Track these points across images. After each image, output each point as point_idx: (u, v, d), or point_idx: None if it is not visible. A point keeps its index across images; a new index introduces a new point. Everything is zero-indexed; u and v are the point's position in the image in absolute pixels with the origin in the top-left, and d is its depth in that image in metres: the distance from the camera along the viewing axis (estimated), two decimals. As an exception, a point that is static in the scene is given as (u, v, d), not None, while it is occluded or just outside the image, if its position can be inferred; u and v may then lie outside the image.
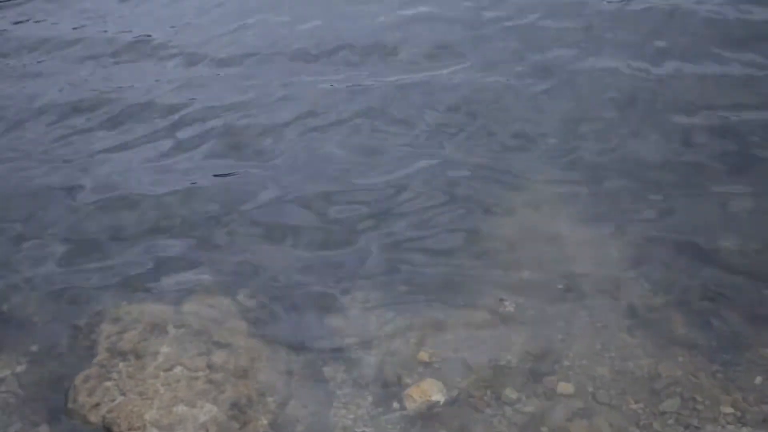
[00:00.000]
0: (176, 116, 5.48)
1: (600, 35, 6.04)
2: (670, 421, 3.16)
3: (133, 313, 3.83)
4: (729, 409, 3.19)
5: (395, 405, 3.32)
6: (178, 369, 3.46)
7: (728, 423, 3.14)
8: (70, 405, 3.37)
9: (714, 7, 6.19)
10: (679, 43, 5.80)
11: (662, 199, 4.31)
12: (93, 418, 3.30)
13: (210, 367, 3.47)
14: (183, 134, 5.29)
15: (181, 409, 3.28)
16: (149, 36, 6.80)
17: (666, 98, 5.17)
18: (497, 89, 5.41)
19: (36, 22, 7.43)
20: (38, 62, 6.57)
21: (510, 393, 3.33)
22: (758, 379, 3.31)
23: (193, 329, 3.67)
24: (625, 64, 5.57)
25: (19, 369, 3.65)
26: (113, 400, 3.35)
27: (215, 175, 4.81)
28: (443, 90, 5.47)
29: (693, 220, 4.16)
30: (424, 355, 3.52)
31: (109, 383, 3.43)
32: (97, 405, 3.33)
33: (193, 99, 5.69)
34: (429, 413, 3.27)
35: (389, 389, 3.39)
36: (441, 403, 3.30)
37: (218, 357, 3.51)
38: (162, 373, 3.45)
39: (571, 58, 5.75)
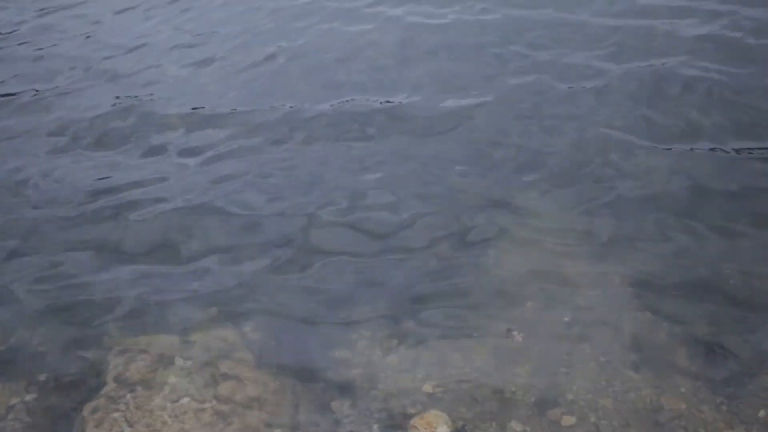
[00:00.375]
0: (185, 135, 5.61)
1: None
2: (674, 454, 3.19)
3: (141, 343, 3.87)
4: (732, 443, 3.22)
5: (400, 437, 3.34)
6: (185, 400, 3.49)
7: (732, 456, 3.17)
8: (78, 436, 3.41)
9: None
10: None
11: (665, 230, 4.35)
12: (101, 449, 3.34)
13: (217, 398, 3.50)
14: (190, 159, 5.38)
15: (188, 440, 3.31)
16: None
17: (666, 129, 5.22)
18: (502, 121, 5.46)
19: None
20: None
21: (515, 425, 3.36)
22: (762, 413, 3.33)
23: (200, 360, 3.70)
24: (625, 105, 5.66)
25: (28, 398, 3.68)
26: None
27: (218, 204, 4.86)
28: (449, 120, 5.53)
29: (696, 251, 4.20)
30: (428, 387, 3.55)
31: (116, 414, 3.45)
32: (105, 436, 3.37)
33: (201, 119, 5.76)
34: (434, 445, 3.30)
35: (394, 420, 3.41)
36: (446, 435, 3.33)
37: (225, 388, 3.54)
38: (169, 405, 3.48)
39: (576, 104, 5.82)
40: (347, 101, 5.81)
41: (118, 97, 6.23)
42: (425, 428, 3.32)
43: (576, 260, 4.18)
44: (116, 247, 4.58)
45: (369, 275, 4.18)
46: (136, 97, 6.23)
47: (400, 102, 5.76)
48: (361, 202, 4.74)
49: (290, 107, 5.81)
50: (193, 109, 5.97)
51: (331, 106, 5.76)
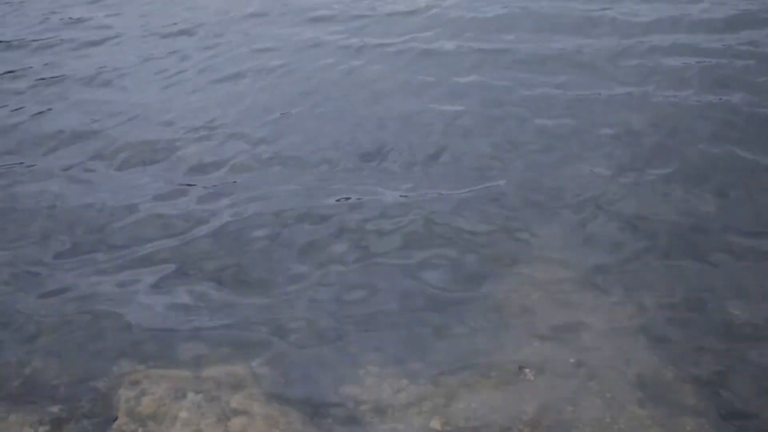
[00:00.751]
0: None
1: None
2: (680, 494, 3.22)
3: (152, 376, 3.92)
4: (738, 481, 3.24)
5: (408, 473, 3.38)
6: (196, 435, 3.54)
7: (737, 496, 3.19)
8: (90, 470, 3.46)
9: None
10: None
11: (670, 265, 4.41)
12: (113, 483, 3.38)
13: (228, 433, 3.55)
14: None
15: (198, 475, 3.35)
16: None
17: (668, 165, 5.31)
18: (507, 155, 5.56)
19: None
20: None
21: (521, 462, 3.40)
22: (767, 451, 3.37)
23: (211, 395, 3.75)
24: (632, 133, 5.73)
25: (42, 430, 3.72)
26: (133, 466, 3.43)
27: (229, 237, 4.94)
28: (462, 155, 5.62)
29: (701, 286, 4.26)
30: (436, 423, 3.58)
31: (128, 448, 3.51)
32: (117, 470, 3.42)
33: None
34: (441, 482, 3.34)
35: (403, 456, 3.45)
36: (453, 472, 3.36)
37: (236, 423, 3.58)
38: (181, 439, 3.53)
39: (580, 127, 5.89)
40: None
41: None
42: (432, 465, 3.36)
43: (583, 297, 4.23)
44: (129, 280, 4.64)
45: (377, 312, 4.23)
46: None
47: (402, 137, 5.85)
48: (367, 240, 4.81)
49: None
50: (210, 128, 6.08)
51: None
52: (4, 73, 7.74)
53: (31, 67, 7.82)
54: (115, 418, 3.69)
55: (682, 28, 7.42)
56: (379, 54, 7.42)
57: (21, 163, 6.05)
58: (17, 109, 6.96)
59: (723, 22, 7.47)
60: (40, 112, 6.87)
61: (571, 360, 3.86)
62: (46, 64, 7.86)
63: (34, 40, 8.41)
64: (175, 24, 8.62)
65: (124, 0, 9.49)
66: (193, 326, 4.24)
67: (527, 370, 3.79)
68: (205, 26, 8.54)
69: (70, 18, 9.03)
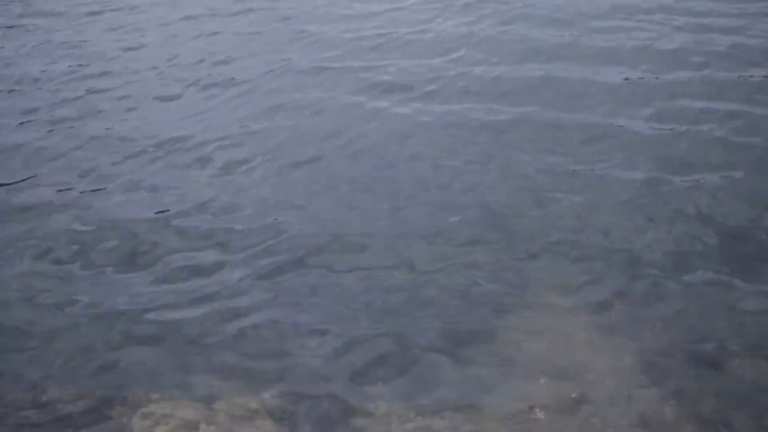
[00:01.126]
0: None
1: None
2: None
3: (165, 407, 4.01)
4: None
5: None
6: (209, 467, 3.62)
7: None
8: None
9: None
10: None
11: (671, 303, 4.52)
12: None
13: (239, 466, 3.63)
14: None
15: (211, 507, 3.43)
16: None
17: (670, 203, 5.42)
18: (513, 195, 5.67)
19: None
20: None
21: (526, 498, 3.48)
22: (767, 492, 3.45)
23: (223, 427, 3.84)
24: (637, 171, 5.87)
25: (56, 460, 3.83)
26: (146, 497, 3.50)
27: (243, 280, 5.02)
28: (460, 191, 5.73)
29: (703, 325, 4.36)
30: (444, 458, 3.68)
31: (142, 480, 3.59)
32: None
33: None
34: None
35: (410, 490, 3.54)
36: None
37: (247, 456, 3.68)
38: (193, 471, 3.61)
39: (585, 166, 6.03)
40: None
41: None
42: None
43: (588, 335, 4.33)
44: (146, 309, 4.74)
45: (386, 349, 4.31)
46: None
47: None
48: (373, 281, 4.89)
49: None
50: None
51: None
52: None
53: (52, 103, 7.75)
54: (129, 449, 3.79)
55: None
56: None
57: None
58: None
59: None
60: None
61: (573, 395, 3.94)
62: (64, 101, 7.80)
63: (55, 77, 8.33)
64: (202, 60, 8.56)
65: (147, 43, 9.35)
66: (207, 357, 4.34)
67: (537, 410, 3.87)
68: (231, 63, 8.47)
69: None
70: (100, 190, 6.06)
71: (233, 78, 7.98)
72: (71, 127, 7.12)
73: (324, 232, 5.35)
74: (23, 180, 6.27)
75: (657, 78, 7.34)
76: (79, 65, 8.54)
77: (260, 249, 5.21)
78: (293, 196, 5.83)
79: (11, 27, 9.91)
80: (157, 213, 5.68)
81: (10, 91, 8.00)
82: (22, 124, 7.25)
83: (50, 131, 7.07)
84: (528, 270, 4.86)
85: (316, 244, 5.23)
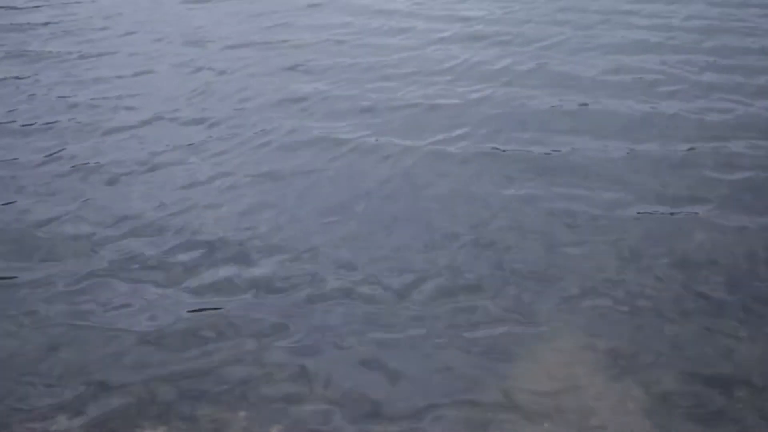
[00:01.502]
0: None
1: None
2: None
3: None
4: None
5: None
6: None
7: None
8: None
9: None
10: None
11: (677, 349, 4.56)
12: None
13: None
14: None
15: None
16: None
17: (675, 248, 5.48)
18: (523, 239, 5.70)
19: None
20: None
21: None
22: None
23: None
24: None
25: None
26: None
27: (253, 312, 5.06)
28: (467, 232, 5.78)
29: (706, 369, 4.40)
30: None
31: None
32: None
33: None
34: None
35: None
36: None
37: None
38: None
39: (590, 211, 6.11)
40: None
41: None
42: None
43: (592, 379, 4.35)
44: (153, 339, 4.81)
45: (390, 391, 4.35)
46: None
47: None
48: (379, 315, 4.95)
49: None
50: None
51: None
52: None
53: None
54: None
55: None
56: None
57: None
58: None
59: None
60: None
61: (579, 439, 3.99)
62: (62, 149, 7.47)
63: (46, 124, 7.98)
64: (204, 114, 8.13)
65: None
66: (214, 388, 4.38)
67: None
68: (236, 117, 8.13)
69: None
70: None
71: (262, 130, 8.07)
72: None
73: (333, 274, 5.38)
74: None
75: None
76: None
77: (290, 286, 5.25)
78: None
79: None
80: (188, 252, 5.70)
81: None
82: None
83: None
84: (533, 313, 4.90)
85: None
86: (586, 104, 7.88)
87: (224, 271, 5.43)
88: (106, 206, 6.29)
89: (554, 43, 9.75)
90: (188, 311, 5.04)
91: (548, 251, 5.51)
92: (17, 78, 9.10)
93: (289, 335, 4.79)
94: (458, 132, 7.37)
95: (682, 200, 6.08)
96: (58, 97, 8.53)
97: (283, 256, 5.55)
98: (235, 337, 4.79)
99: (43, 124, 7.87)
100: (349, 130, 7.51)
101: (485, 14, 11.03)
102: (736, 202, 6.02)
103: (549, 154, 6.92)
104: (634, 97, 8.07)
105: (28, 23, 10.91)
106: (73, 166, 6.98)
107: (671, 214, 5.90)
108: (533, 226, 5.83)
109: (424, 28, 10.46)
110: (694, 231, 5.66)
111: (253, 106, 8.21)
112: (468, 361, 4.53)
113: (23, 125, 7.86)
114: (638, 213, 5.93)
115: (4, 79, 9.10)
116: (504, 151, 7.00)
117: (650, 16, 10.72)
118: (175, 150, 7.25)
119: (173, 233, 5.87)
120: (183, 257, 5.59)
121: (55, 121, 7.90)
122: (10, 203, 6.39)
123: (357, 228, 5.88)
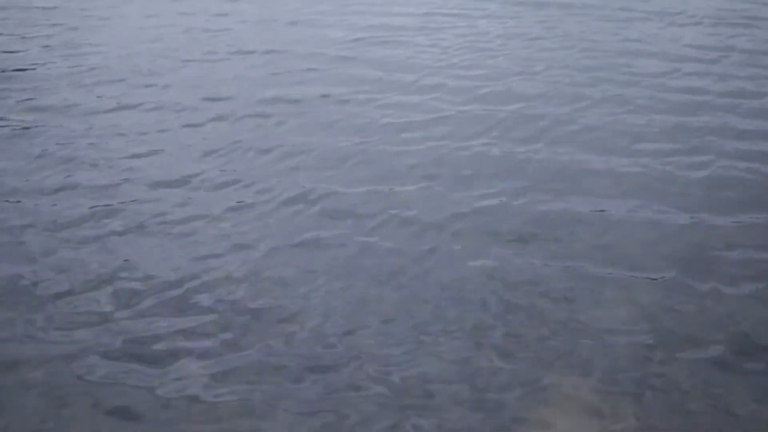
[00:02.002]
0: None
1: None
2: None
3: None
4: None
5: None
6: None
7: None
8: None
9: None
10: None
11: (683, 413, 4.44)
12: None
13: None
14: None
15: None
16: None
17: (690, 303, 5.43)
18: (535, 302, 5.52)
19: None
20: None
21: None
22: None
23: None
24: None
25: None
26: None
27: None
28: (476, 285, 5.65)
29: (709, 422, 4.33)
30: None
31: None
32: None
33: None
34: None
35: None
36: None
37: None
38: None
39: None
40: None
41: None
42: None
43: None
44: (159, 374, 4.77)
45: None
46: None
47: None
48: (393, 362, 4.84)
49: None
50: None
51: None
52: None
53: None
54: None
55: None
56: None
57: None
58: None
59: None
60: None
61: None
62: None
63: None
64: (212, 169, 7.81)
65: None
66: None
67: None
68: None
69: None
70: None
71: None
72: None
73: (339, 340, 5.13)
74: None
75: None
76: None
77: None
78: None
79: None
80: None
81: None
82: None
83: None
84: (542, 376, 4.76)
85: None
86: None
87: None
88: (139, 267, 6.00)
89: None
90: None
91: (553, 306, 5.35)
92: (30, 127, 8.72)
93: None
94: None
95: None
96: (76, 151, 8.14)
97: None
98: (252, 385, 4.68)
99: (64, 178, 7.51)
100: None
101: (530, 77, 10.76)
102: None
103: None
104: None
105: (45, 73, 10.60)
106: (102, 225, 6.64)
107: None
108: (542, 280, 5.70)
109: (454, 85, 10.22)
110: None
111: (289, 166, 7.83)
112: (471, 418, 4.40)
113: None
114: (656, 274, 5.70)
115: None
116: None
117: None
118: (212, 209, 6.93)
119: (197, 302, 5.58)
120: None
121: (69, 176, 7.52)
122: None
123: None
